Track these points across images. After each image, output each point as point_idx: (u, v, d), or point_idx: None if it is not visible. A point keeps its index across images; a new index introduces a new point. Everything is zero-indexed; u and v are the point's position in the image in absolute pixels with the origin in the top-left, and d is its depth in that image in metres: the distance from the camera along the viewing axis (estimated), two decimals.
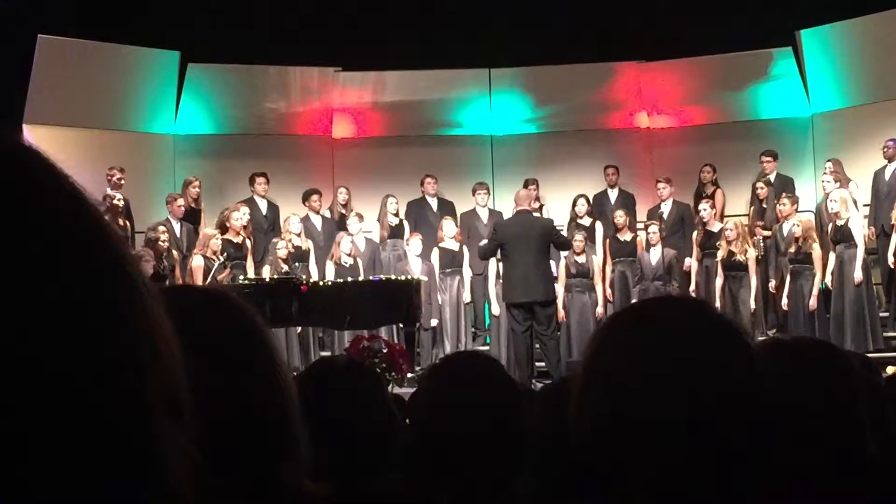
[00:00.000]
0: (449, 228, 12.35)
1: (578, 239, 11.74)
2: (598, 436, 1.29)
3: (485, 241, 11.58)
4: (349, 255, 11.91)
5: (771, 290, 12.00)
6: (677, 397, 1.25)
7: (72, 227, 0.70)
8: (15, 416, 0.64)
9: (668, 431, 1.24)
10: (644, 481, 1.26)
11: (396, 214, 12.91)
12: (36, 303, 0.66)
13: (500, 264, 11.72)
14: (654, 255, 11.82)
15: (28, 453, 0.64)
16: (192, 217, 12.34)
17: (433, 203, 13.38)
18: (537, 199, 13.02)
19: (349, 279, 11.23)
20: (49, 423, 0.65)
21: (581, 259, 11.75)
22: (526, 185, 12.71)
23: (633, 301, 11.56)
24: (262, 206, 12.90)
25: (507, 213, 13.28)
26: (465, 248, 12.47)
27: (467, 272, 12.45)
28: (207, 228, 11.93)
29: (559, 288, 11.80)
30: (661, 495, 1.26)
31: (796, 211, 11.97)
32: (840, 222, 11.43)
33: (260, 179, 12.87)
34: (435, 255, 12.28)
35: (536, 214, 11.84)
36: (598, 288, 11.89)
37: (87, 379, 0.67)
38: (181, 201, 12.15)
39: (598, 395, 1.29)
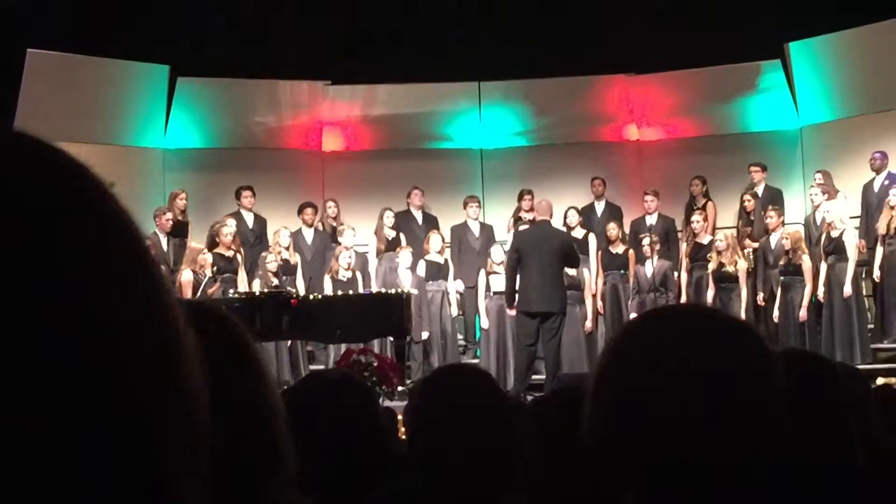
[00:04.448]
0: (435, 242, 12.34)
1: None
2: (607, 444, 1.28)
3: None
4: (347, 269, 11.86)
5: (759, 302, 11.99)
6: (688, 405, 1.24)
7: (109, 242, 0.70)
8: (22, 430, 0.63)
9: (678, 439, 1.24)
10: (653, 489, 1.26)
11: (393, 227, 12.89)
12: (44, 306, 0.65)
13: (490, 278, 11.75)
14: (650, 268, 11.84)
15: (38, 453, 0.63)
16: (179, 230, 12.32)
17: (418, 216, 13.38)
18: (531, 209, 13.03)
19: (340, 293, 11.20)
20: (57, 424, 0.64)
21: (572, 272, 11.74)
22: (521, 197, 12.70)
23: (629, 314, 11.58)
24: (249, 219, 12.89)
25: (498, 226, 13.30)
26: (450, 261, 12.48)
27: (452, 285, 12.43)
28: (194, 242, 11.90)
29: None
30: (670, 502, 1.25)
31: (783, 223, 12.01)
32: (835, 233, 11.44)
33: (246, 193, 12.86)
34: (421, 268, 12.26)
35: (558, 227, 11.76)
36: (588, 301, 11.89)
37: (96, 379, 0.65)
38: (169, 215, 12.14)
39: (609, 403, 1.29)
